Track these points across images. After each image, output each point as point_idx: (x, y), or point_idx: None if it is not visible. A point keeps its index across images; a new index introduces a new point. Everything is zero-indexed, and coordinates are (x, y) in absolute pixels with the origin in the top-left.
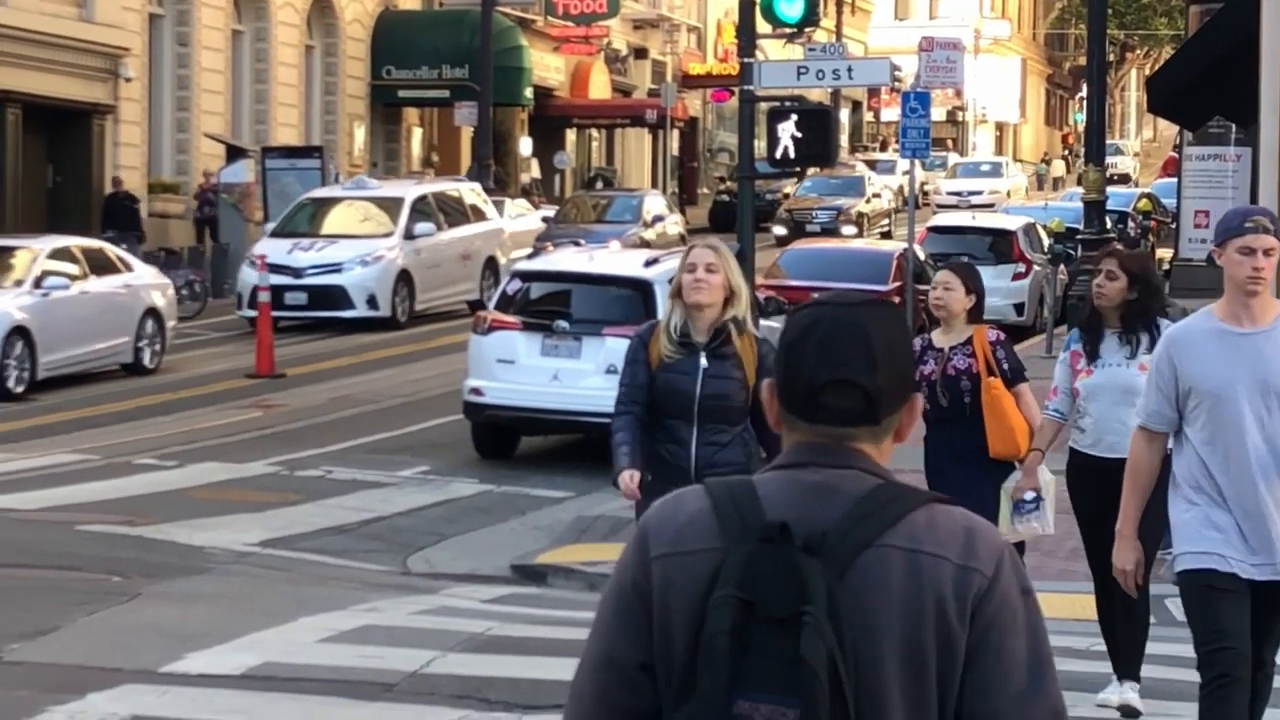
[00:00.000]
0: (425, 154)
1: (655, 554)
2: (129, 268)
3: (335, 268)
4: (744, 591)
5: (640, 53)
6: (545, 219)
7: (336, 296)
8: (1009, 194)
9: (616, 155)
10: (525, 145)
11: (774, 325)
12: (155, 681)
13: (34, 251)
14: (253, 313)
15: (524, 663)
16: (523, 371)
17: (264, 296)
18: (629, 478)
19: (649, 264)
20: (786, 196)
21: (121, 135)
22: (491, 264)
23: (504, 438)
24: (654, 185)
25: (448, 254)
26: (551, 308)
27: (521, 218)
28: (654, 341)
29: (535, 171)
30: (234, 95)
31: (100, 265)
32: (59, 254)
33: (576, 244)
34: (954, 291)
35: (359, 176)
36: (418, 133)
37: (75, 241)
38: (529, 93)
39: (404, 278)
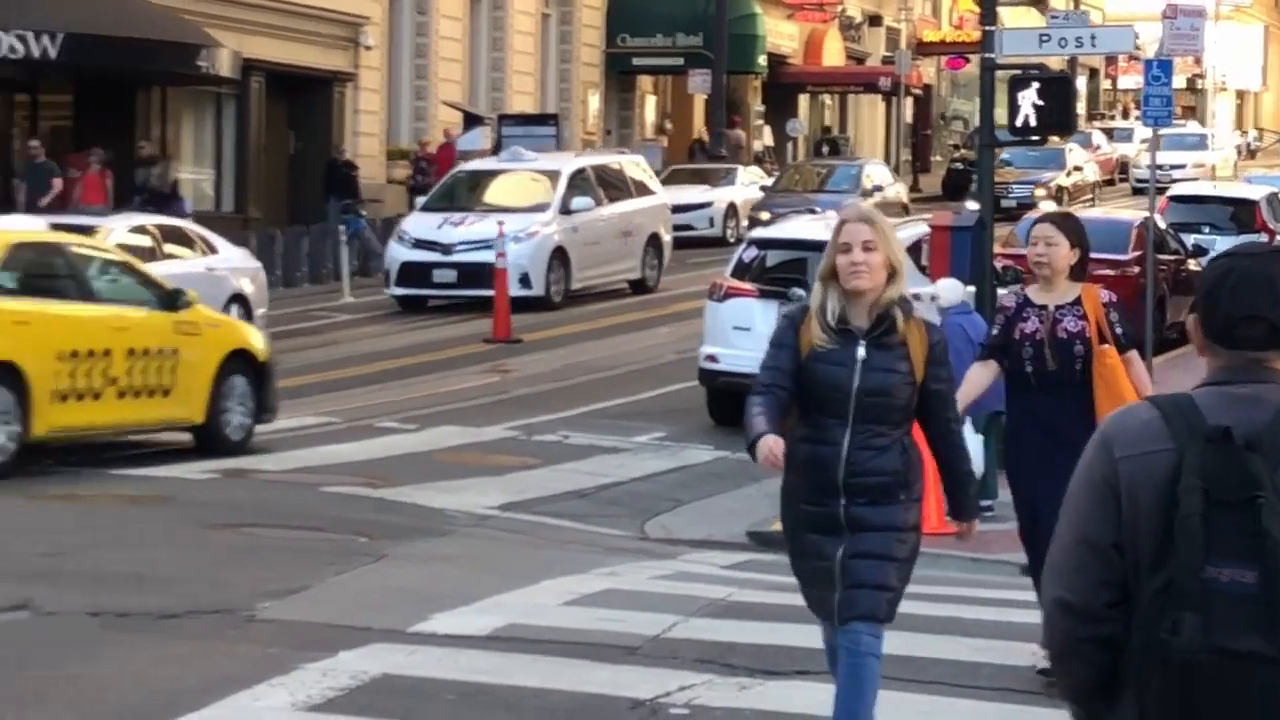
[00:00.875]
0: (659, 121)
1: (1120, 455)
2: (213, 249)
3: (486, 244)
4: (1204, 481)
5: (874, 20)
6: (763, 188)
7: (486, 275)
8: (1214, 169)
9: (849, 122)
10: (758, 112)
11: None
12: (403, 641)
13: (105, 231)
14: (401, 290)
15: (765, 629)
16: (758, 339)
17: (500, 264)
18: (772, 442)
19: None
20: None
21: (361, 103)
22: (655, 241)
23: (738, 404)
24: (887, 153)
25: (607, 230)
26: (787, 275)
27: (753, 185)
28: (805, 325)
29: (768, 139)
30: (471, 63)
31: (178, 246)
32: (133, 233)
33: (812, 211)
34: (1057, 246)
35: (515, 148)
36: (651, 100)
37: (152, 220)
38: (762, 60)
39: (559, 255)
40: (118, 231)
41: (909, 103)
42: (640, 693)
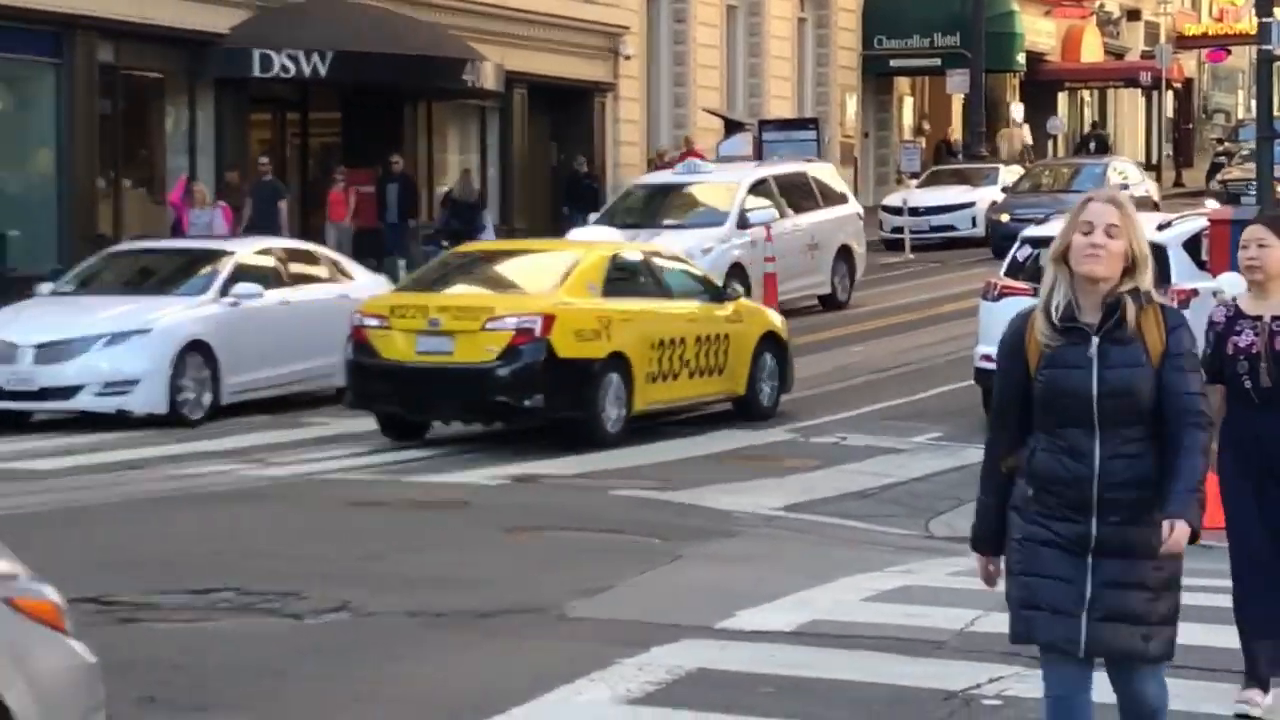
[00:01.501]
0: (916, 123)
1: None
2: (346, 275)
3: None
4: None
5: (1133, 14)
6: (1005, 189)
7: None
8: None
9: (1109, 118)
10: (1017, 111)
11: None
12: (712, 636)
13: (227, 254)
14: None
15: None
16: None
17: (769, 267)
18: (987, 568)
19: (1162, 227)
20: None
21: (622, 112)
22: (846, 253)
23: None
24: (1148, 148)
25: (791, 243)
26: None
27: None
28: (1030, 331)
29: (1027, 137)
30: (729, 69)
31: (308, 274)
32: (259, 255)
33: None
34: (1270, 249)
35: (691, 160)
36: (909, 102)
37: (279, 243)
38: (1021, 58)
39: (736, 272)
40: (241, 253)
41: (1170, 97)
42: (952, 685)
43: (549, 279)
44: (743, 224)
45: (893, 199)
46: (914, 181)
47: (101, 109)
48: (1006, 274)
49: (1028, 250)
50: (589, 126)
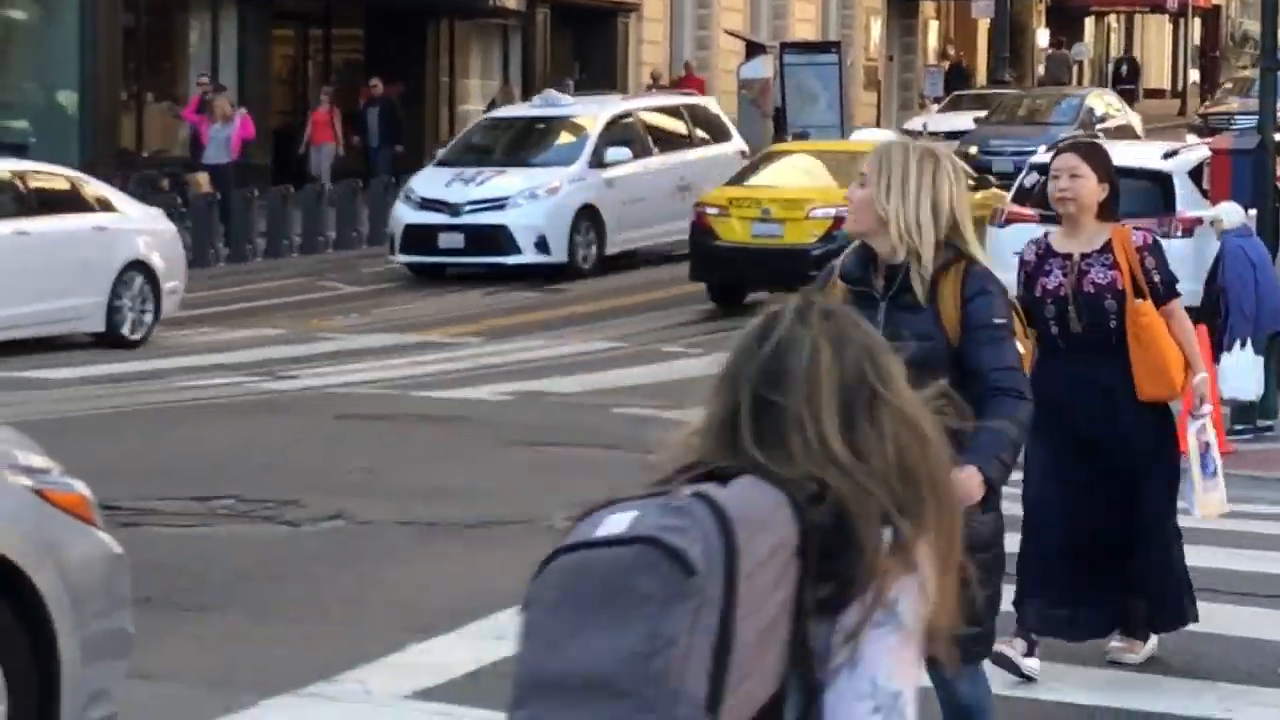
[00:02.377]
0: (941, 47)
1: None
2: (108, 207)
3: (498, 203)
4: None
5: None
6: (976, 119)
7: (498, 238)
8: None
9: (1136, 45)
10: (1042, 37)
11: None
12: None
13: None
14: (406, 258)
15: None
16: None
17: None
18: None
19: (1168, 155)
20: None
21: (644, 33)
22: None
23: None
24: (1174, 75)
25: (655, 186)
26: None
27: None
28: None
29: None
30: None
31: (59, 201)
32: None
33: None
34: (1084, 179)
35: (548, 92)
36: (934, 25)
37: (25, 166)
38: None
39: (587, 214)
40: None
41: (1197, 24)
42: None
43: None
44: (598, 162)
45: (912, 123)
46: (935, 106)
47: (125, 23)
48: (1014, 200)
49: (1035, 177)
50: (611, 46)
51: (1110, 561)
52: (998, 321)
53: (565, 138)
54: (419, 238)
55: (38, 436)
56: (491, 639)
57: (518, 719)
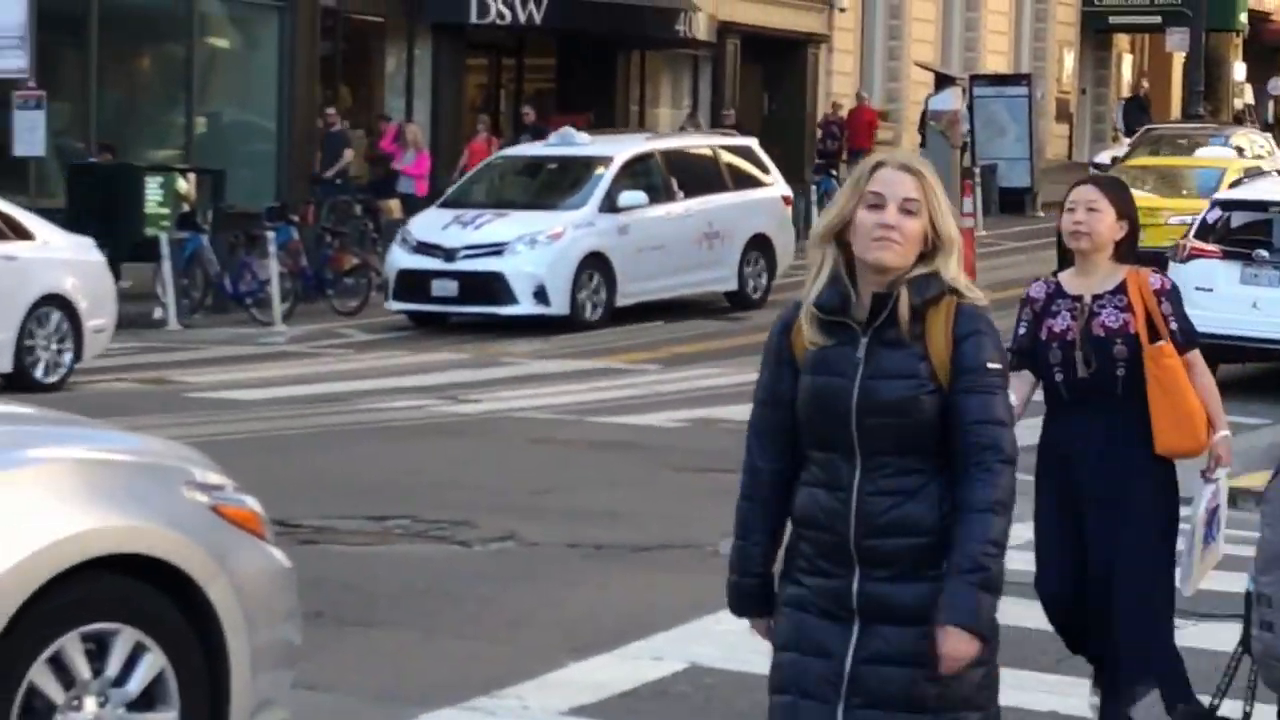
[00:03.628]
0: (1135, 80)
1: None
2: (23, 234)
3: (495, 249)
4: None
5: None
6: (1114, 158)
7: (493, 287)
8: None
9: None
10: (1238, 71)
11: None
12: None
13: None
14: (400, 305)
15: None
16: (1221, 300)
17: (968, 222)
18: (767, 629)
19: None
20: None
21: (835, 64)
22: (761, 243)
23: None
24: None
25: (678, 232)
26: (1253, 236)
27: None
28: (798, 324)
29: (1248, 98)
30: (944, 23)
31: None
32: None
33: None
34: (1100, 213)
35: (565, 130)
36: (1128, 59)
37: None
38: (1243, 18)
39: (595, 263)
40: None
41: None
42: None
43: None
44: (611, 206)
45: (1101, 156)
46: (1128, 140)
47: (323, 51)
48: (1197, 235)
49: (1217, 213)
50: (801, 78)
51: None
52: (991, 367)
53: (577, 179)
54: (412, 284)
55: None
56: (649, 659)
57: (1261, 583)
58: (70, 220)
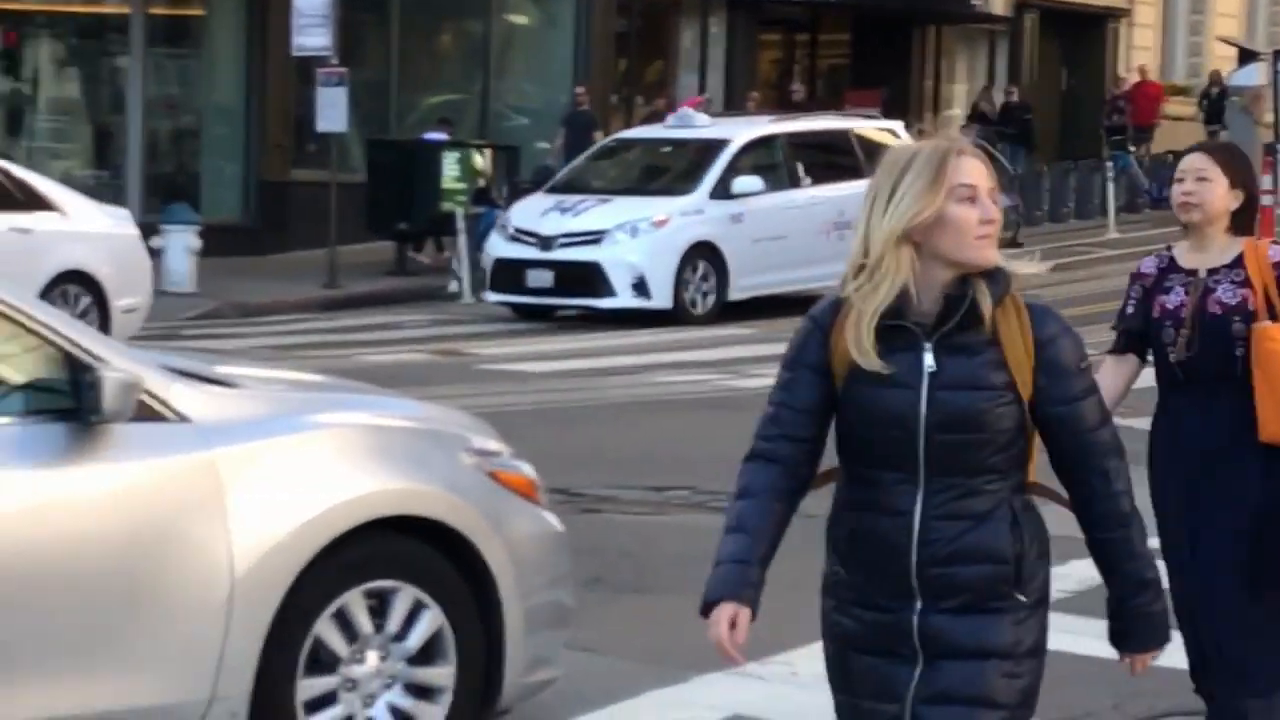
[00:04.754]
0: None
1: None
2: (44, 205)
3: (593, 238)
4: None
5: None
6: None
7: (590, 277)
8: None
9: None
10: None
11: None
12: None
13: None
14: (498, 296)
15: None
16: None
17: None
18: (730, 615)
19: None
20: None
21: (1135, 38)
22: None
23: None
24: None
25: (801, 222)
26: None
27: None
28: (839, 329)
29: None
30: None
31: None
32: None
33: None
34: (1211, 183)
35: (684, 110)
36: None
37: None
38: None
39: (703, 253)
40: None
41: None
42: None
43: None
44: (724, 193)
45: None
46: None
47: (618, 27)
48: None
49: None
50: (1100, 54)
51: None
52: (1084, 366)
53: (691, 164)
54: (508, 273)
55: (518, 424)
56: None
57: None
58: (370, 195)
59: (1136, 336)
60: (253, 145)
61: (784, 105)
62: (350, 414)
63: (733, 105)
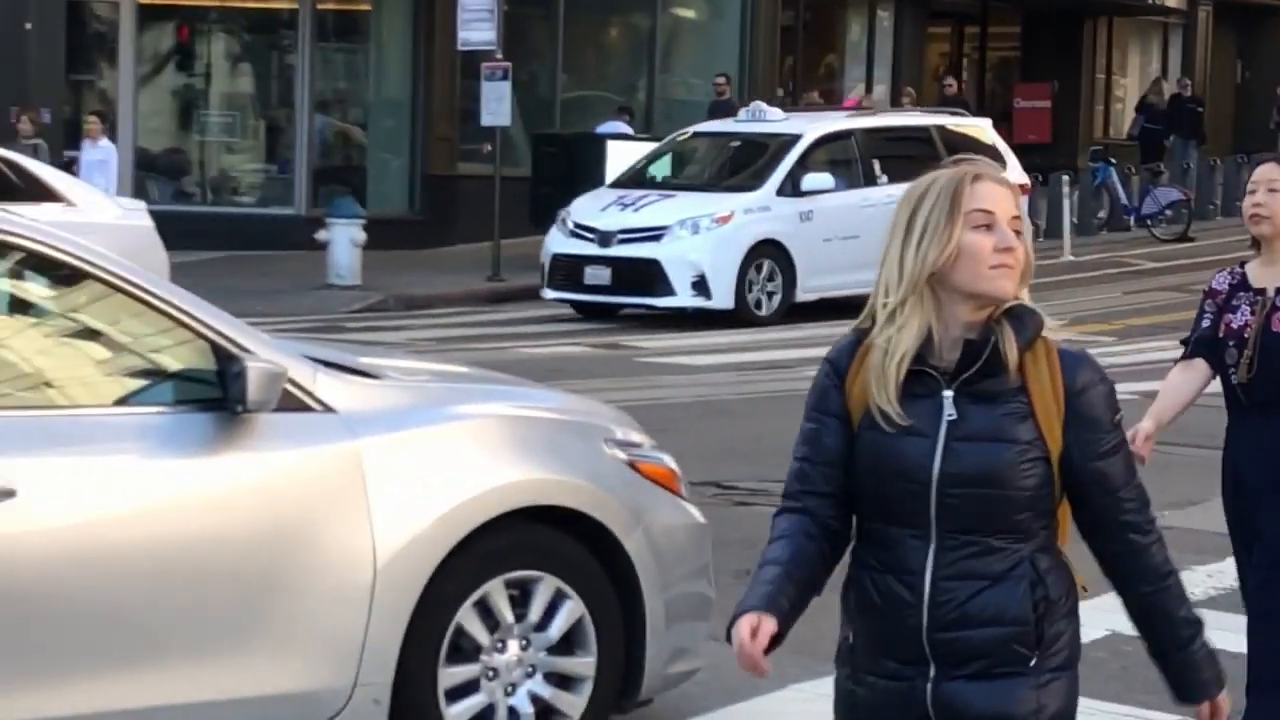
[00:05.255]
0: None
1: None
2: (51, 197)
3: (653, 234)
4: None
5: None
6: None
7: (648, 275)
8: None
9: None
10: None
11: None
12: None
13: None
14: (555, 293)
15: None
16: None
17: None
18: (752, 625)
19: None
20: None
21: None
22: None
23: None
24: None
25: (874, 221)
26: None
27: None
28: (855, 370)
29: None
30: None
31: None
32: None
33: None
34: None
35: (756, 104)
36: None
37: None
38: None
39: (769, 251)
40: None
41: None
42: None
43: None
44: (793, 190)
45: None
46: None
47: (785, 20)
48: None
49: None
50: (1276, 45)
51: None
52: (1119, 419)
53: (761, 159)
54: (566, 270)
55: (674, 417)
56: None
57: None
58: (533, 188)
59: (1205, 345)
60: (418, 139)
61: (941, 99)
62: (492, 405)
63: (894, 100)
